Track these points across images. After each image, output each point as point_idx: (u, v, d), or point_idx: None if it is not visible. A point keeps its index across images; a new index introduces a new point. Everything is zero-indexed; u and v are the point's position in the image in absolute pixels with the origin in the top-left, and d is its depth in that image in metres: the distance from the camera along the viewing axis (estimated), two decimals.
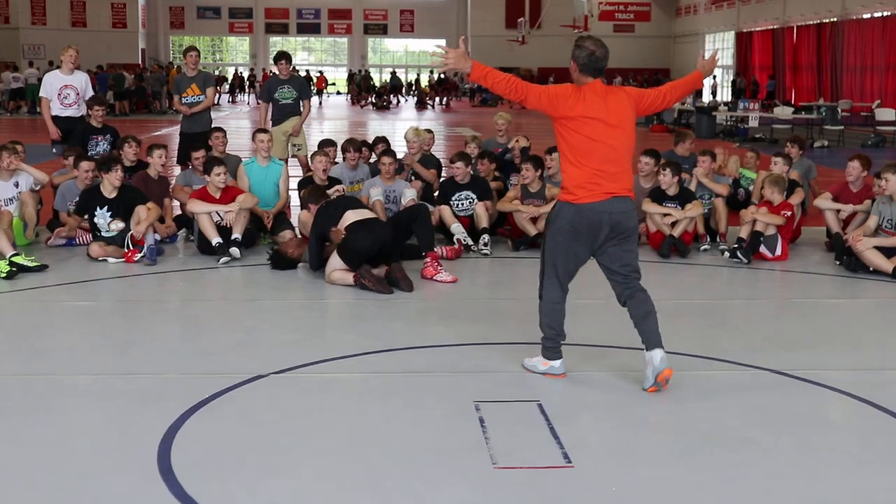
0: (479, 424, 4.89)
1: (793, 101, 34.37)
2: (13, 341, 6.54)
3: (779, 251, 9.14)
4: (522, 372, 5.80)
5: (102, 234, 9.06)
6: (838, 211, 9.57)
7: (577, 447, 4.61)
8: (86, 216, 9.26)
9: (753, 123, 23.95)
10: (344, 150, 10.51)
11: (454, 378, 5.70)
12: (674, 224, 9.39)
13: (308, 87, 12.93)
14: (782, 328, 7.11)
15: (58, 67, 12.17)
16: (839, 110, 24.67)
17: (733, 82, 44.12)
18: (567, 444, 4.63)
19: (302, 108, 12.33)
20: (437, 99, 47.76)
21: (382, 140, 11.22)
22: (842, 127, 23.57)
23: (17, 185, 9.47)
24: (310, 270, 8.39)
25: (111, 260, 8.84)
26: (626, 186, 5.47)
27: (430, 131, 11.63)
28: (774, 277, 8.86)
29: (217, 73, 53.97)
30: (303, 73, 36.29)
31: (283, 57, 12.33)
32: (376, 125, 31.82)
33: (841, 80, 36.32)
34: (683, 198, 9.54)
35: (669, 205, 9.49)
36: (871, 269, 8.52)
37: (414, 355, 6.19)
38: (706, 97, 43.12)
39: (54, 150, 11.71)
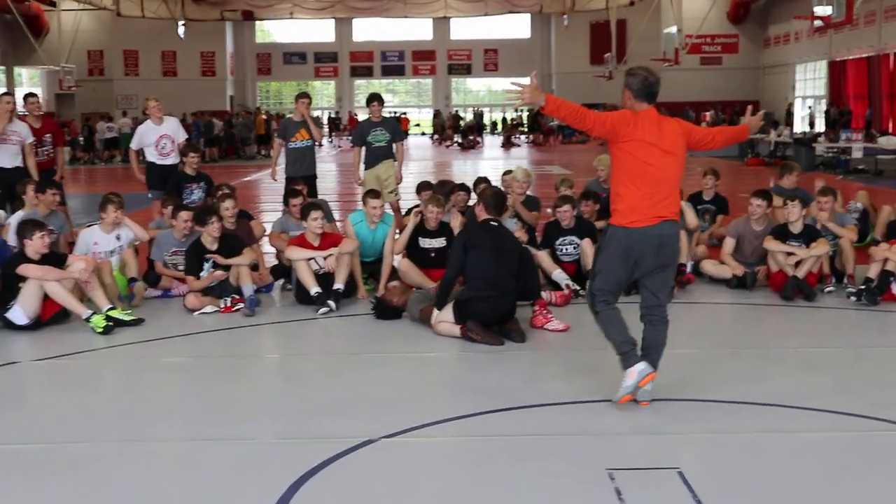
0: (615, 496, 4.41)
1: (890, 131, 33.18)
2: (111, 403, 6.27)
3: None
4: (658, 434, 5.31)
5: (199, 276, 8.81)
6: None
7: None
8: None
9: (857, 154, 23.03)
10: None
11: (583, 441, 5.21)
12: (797, 264, 8.79)
13: (402, 129, 12.67)
14: None
15: (146, 118, 12.13)
16: None
17: (827, 112, 42.92)
18: None
19: (395, 152, 12.09)
20: (524, 137, 47.48)
21: (484, 180, 10.84)
22: None
23: (118, 237, 9.27)
24: (415, 320, 8.00)
25: (208, 310, 8.58)
26: (675, 210, 5.71)
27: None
28: None
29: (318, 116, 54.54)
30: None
31: (375, 99, 12.10)
32: (463, 165, 31.55)
33: None
34: (808, 236, 8.94)
35: (793, 243, 8.90)
36: None
37: (535, 415, 5.72)
38: (799, 127, 42.06)
39: (150, 196, 11.67)
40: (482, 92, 62.68)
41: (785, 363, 6.74)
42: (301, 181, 11.38)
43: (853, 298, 8.46)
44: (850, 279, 9.07)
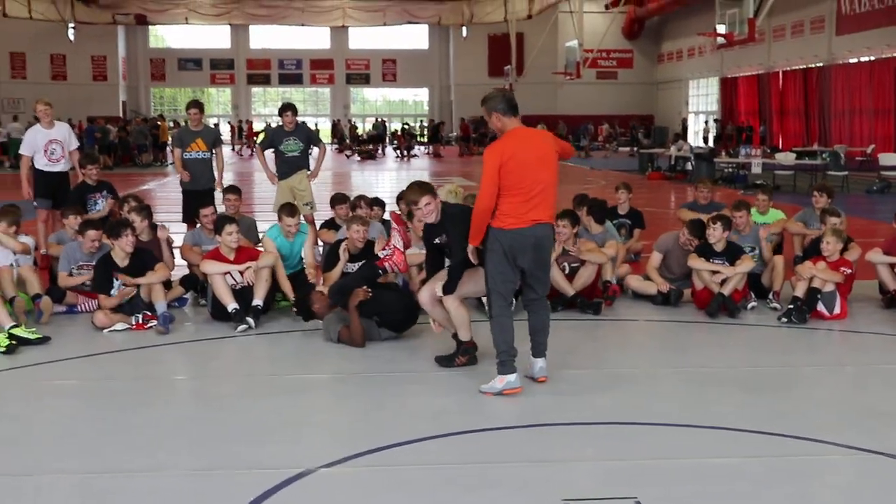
0: None
1: (780, 147, 34.07)
2: (8, 429, 5.73)
3: (837, 310, 8.52)
4: (611, 459, 5.11)
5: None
6: (893, 266, 8.97)
7: None
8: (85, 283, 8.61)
9: (757, 170, 23.48)
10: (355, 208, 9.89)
11: (532, 470, 4.97)
12: (723, 282, 8.75)
13: (317, 135, 12.32)
14: (864, 398, 6.44)
15: (37, 121, 11.56)
16: (842, 155, 24.23)
17: (720, 127, 43.82)
18: None
19: (316, 155, 11.89)
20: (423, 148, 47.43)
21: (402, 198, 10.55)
22: (846, 173, 23.12)
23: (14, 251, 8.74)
24: (330, 340, 7.71)
25: (119, 327, 8.13)
26: (550, 214, 6.35)
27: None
28: (838, 339, 8.19)
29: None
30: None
31: (288, 108, 11.74)
32: (362, 177, 31.28)
33: (829, 125, 36.12)
34: (731, 253, 8.91)
35: (717, 261, 8.87)
36: None
37: (479, 440, 5.47)
38: (694, 141, 42.89)
39: (35, 204, 11.16)
40: (380, 102, 62.49)
41: (723, 384, 6.64)
42: (201, 195, 10.87)
43: (783, 319, 8.42)
44: (776, 296, 9.07)
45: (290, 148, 11.58)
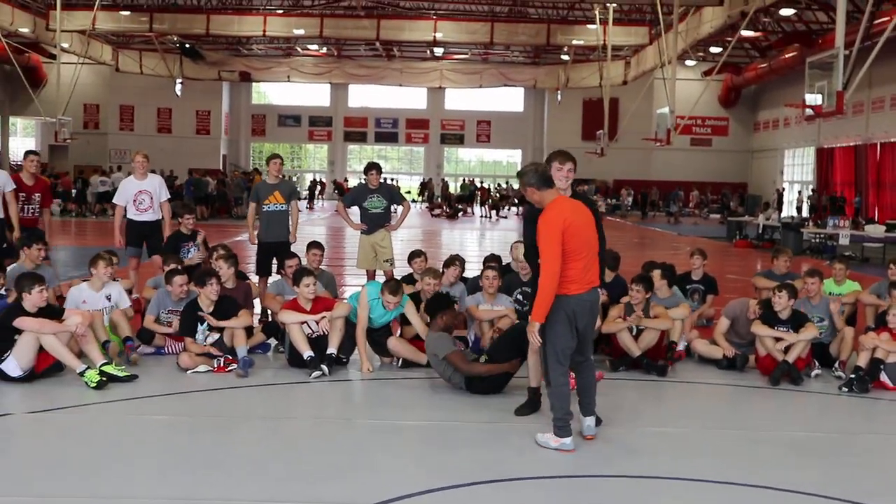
0: None
1: (876, 219, 33.60)
2: (101, 458, 6.23)
3: None
4: None
5: (196, 340, 8.87)
6: None
7: None
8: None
9: (844, 241, 23.28)
10: (444, 266, 10.26)
11: None
12: (787, 349, 8.89)
13: (399, 193, 12.75)
14: None
15: (130, 174, 12.19)
16: None
17: (814, 197, 43.40)
18: None
19: (399, 211, 12.37)
20: (514, 209, 47.87)
21: (494, 258, 10.90)
22: None
23: (108, 297, 9.32)
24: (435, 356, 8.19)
25: (201, 369, 8.62)
26: (598, 277, 6.63)
27: None
28: None
29: (295, 178, 54.86)
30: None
31: (373, 167, 12.16)
32: (449, 235, 31.74)
33: None
34: (796, 321, 9.05)
35: (782, 328, 9.01)
36: None
37: (531, 488, 5.76)
38: (788, 211, 42.50)
39: (126, 251, 11.76)
40: (473, 161, 63.16)
41: (775, 446, 6.80)
42: (277, 246, 11.27)
43: (844, 389, 8.53)
44: (842, 365, 9.16)
45: (374, 205, 12.02)
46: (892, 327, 8.81)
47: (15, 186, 11.44)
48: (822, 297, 9.85)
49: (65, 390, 7.84)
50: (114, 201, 12.20)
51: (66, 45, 39.97)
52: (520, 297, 9.89)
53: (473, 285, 10.22)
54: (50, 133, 42.01)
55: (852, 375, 8.58)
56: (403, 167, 62.13)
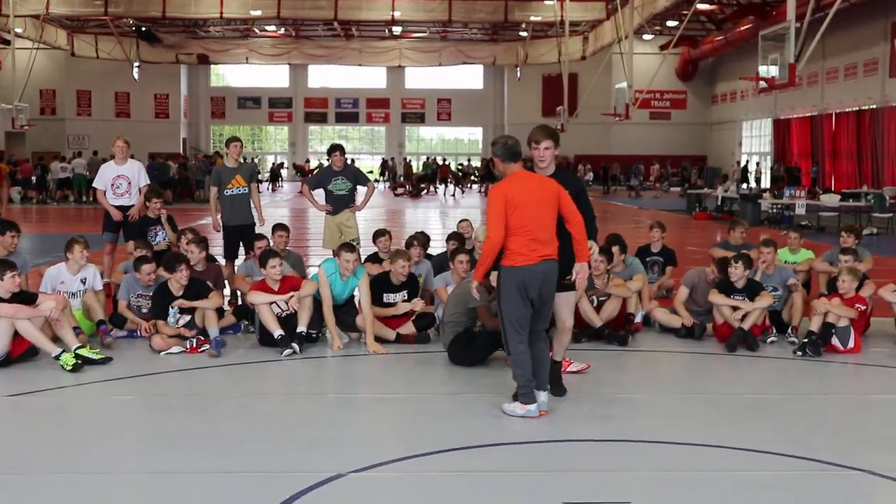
0: None
1: (833, 188, 34.22)
2: (78, 437, 6.41)
3: (851, 344, 8.93)
4: (612, 471, 5.63)
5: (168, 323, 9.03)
6: None
7: None
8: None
9: (800, 211, 23.76)
10: (407, 246, 10.46)
11: (542, 477, 5.52)
12: (743, 317, 9.21)
13: (363, 174, 12.90)
14: (869, 426, 6.86)
15: (112, 158, 12.30)
16: (886, 197, 24.43)
17: (772, 169, 44.06)
18: None
19: (366, 192, 12.58)
20: (477, 187, 48.12)
21: (457, 237, 11.11)
22: (891, 214, 23.32)
23: (83, 281, 9.46)
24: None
25: (174, 350, 8.79)
26: (554, 251, 6.77)
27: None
28: (851, 372, 8.60)
29: (256, 160, 54.80)
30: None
31: (336, 149, 12.32)
32: (412, 215, 31.94)
33: (882, 167, 36.18)
34: (751, 290, 9.37)
35: (738, 297, 9.33)
36: None
37: (496, 453, 6.02)
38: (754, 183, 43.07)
39: (104, 237, 11.83)
40: (435, 140, 63.30)
41: (731, 409, 7.10)
42: (243, 230, 11.42)
43: (798, 353, 8.87)
44: (794, 331, 9.50)
45: (339, 187, 12.18)
46: (842, 292, 9.16)
47: None
48: (776, 267, 10.17)
49: (41, 374, 7.99)
50: (93, 185, 12.36)
51: (19, 31, 39.56)
52: None
53: (439, 262, 10.45)
54: (6, 120, 41.63)
55: (805, 340, 8.91)
56: (365, 147, 62.18)
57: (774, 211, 25.63)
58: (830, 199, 24.49)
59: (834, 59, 39.01)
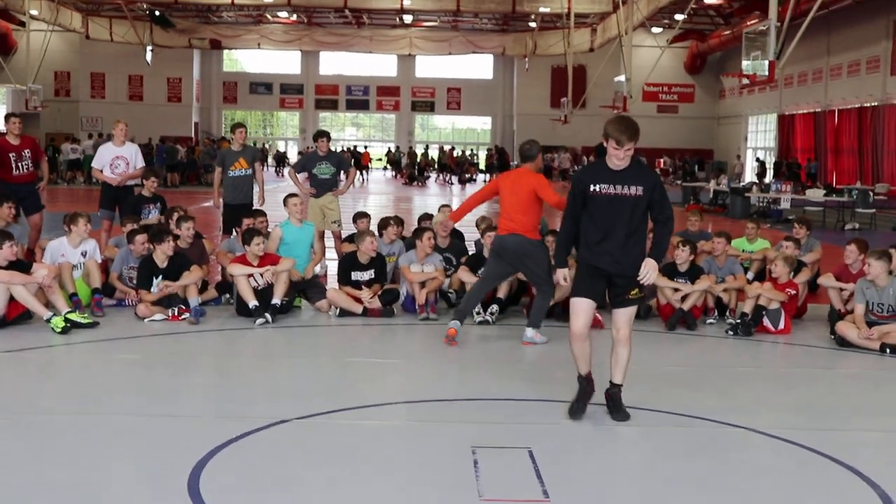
0: (472, 466, 5.50)
1: (833, 184, 34.76)
2: (66, 386, 7.35)
3: (782, 325, 9.65)
4: (524, 424, 6.43)
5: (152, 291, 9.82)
6: (841, 290, 10.05)
7: (557, 485, 5.20)
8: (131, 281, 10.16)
9: (785, 205, 24.44)
10: (382, 227, 11.26)
11: (456, 427, 6.34)
12: (684, 298, 9.94)
13: (346, 161, 13.72)
14: (768, 393, 7.66)
15: (110, 139, 13.09)
16: (871, 193, 25.07)
17: (776, 164, 44.59)
18: (548, 482, 5.23)
19: (345, 178, 13.31)
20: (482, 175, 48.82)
21: (428, 217, 11.94)
22: (873, 210, 23.97)
23: (84, 254, 10.25)
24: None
25: (157, 318, 9.59)
26: (514, 227, 8.77)
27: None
28: (772, 349, 9.34)
29: (268, 145, 55.67)
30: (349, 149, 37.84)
31: (322, 135, 13.20)
32: (406, 201, 32.68)
33: (882, 164, 36.70)
34: (693, 274, 10.10)
35: (679, 280, 10.07)
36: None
37: (426, 407, 6.84)
38: (749, 178, 43.62)
39: (99, 214, 12.61)
40: (447, 129, 63.77)
41: (655, 379, 7.80)
42: (241, 208, 12.19)
43: (730, 332, 9.62)
44: (732, 313, 10.23)
45: (323, 171, 12.97)
46: (774, 276, 9.90)
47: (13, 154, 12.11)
48: (728, 259, 10.86)
49: (33, 334, 8.84)
50: (92, 165, 13.17)
51: (35, 13, 40.40)
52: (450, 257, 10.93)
53: (410, 243, 11.20)
54: (20, 101, 42.51)
55: (738, 321, 9.65)
56: (377, 134, 62.81)
57: (762, 204, 26.29)
58: (815, 195, 25.16)
59: (838, 56, 39.50)
